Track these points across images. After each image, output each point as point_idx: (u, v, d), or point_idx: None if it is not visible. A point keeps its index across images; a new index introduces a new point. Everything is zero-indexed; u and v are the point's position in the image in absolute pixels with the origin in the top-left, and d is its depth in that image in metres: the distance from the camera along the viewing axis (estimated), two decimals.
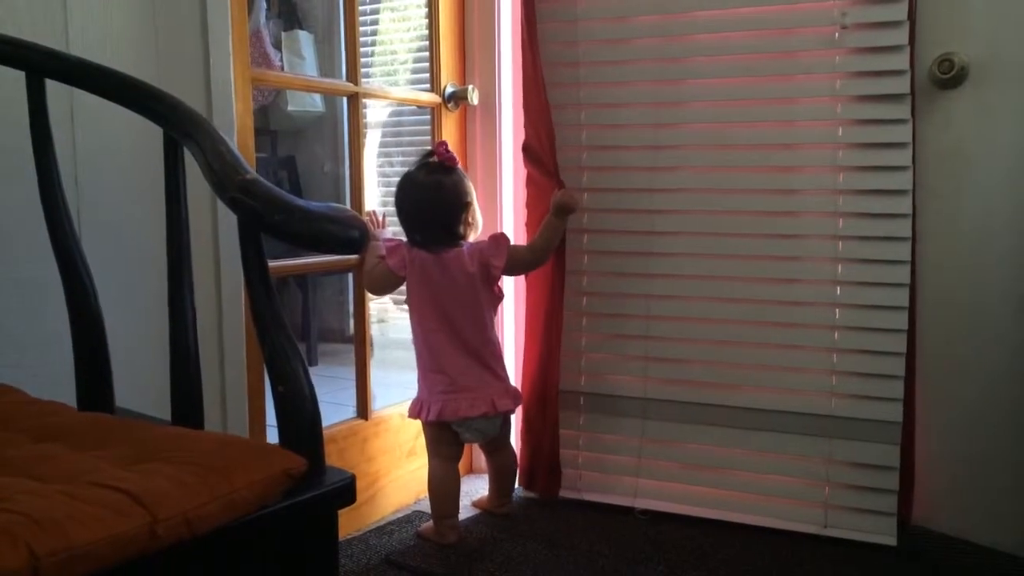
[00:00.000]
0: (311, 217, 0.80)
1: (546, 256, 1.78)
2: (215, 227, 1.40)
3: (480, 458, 2.01)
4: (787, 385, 1.73)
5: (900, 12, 1.59)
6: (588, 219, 1.85)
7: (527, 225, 1.87)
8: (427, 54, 2.03)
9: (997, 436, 1.62)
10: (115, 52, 1.26)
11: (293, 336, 0.86)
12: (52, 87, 1.01)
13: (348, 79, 1.79)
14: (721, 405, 1.77)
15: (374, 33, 3.58)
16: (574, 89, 1.85)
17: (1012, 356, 1.60)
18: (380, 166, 3.51)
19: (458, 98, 2.01)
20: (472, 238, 1.74)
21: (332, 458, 0.88)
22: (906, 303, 1.63)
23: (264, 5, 3.29)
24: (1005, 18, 1.56)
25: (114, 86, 0.98)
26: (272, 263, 0.88)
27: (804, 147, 1.73)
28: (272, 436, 0.92)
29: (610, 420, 1.87)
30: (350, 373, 1.86)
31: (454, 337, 1.68)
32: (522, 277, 1.90)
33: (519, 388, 1.83)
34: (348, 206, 1.81)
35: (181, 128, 0.91)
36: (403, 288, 1.72)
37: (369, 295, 1.82)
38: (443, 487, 1.71)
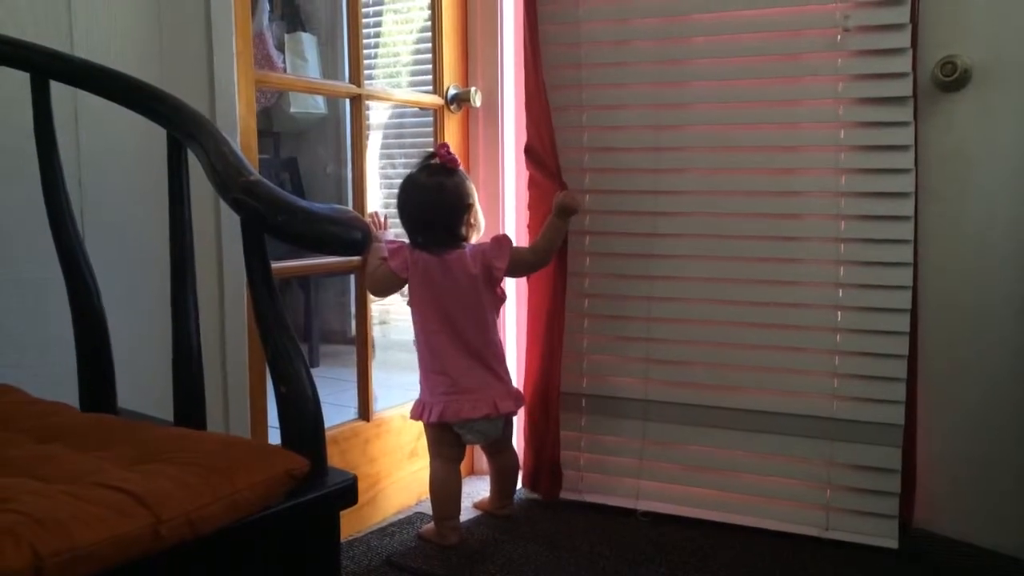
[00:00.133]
0: (314, 218, 0.81)
1: (548, 257, 1.78)
2: (218, 228, 1.40)
3: (481, 459, 2.01)
4: (789, 387, 1.73)
5: (903, 15, 1.59)
6: (590, 221, 1.85)
7: (529, 227, 1.88)
8: (430, 56, 2.03)
9: (999, 438, 1.62)
10: (119, 53, 1.27)
11: (296, 337, 0.86)
12: (56, 88, 1.02)
13: (351, 81, 1.79)
14: (723, 407, 1.77)
15: (377, 35, 3.59)
16: (576, 91, 1.85)
17: (1014, 358, 1.59)
18: (382, 168, 3.52)
19: (460, 100, 2.01)
20: (474, 239, 1.74)
21: (334, 459, 0.88)
22: (908, 305, 1.63)
23: (267, 7, 3.29)
24: (1007, 21, 1.56)
25: (118, 88, 0.99)
26: (274, 264, 0.88)
27: (806, 149, 1.73)
28: (274, 437, 0.92)
29: (611, 422, 1.87)
30: (351, 374, 1.86)
31: (456, 339, 1.68)
32: (524, 279, 1.90)
33: (521, 389, 1.83)
34: (350, 208, 1.82)
35: (184, 129, 0.91)
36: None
37: (371, 296, 1.83)
38: (444, 488, 1.71)
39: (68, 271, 1.01)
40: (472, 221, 1.72)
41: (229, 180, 0.81)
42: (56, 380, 1.03)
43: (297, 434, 0.84)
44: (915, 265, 1.64)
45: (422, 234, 1.69)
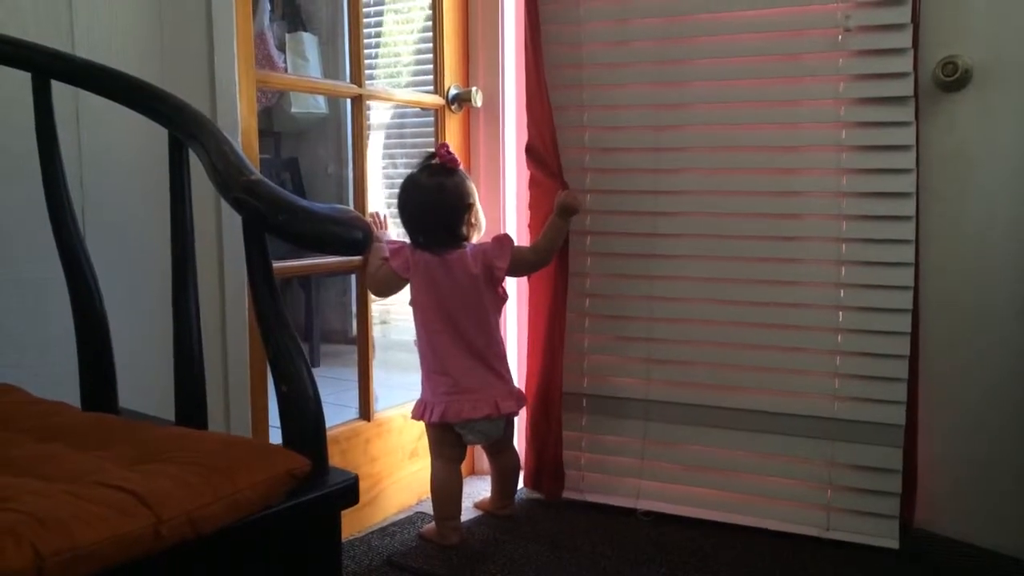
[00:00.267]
0: (315, 218, 0.81)
1: (549, 257, 1.78)
2: (219, 228, 1.40)
3: (482, 459, 2.01)
4: (790, 387, 1.73)
5: (904, 15, 1.59)
6: (591, 221, 1.85)
7: (530, 227, 1.88)
8: (431, 56, 2.03)
9: (1000, 439, 1.61)
10: (120, 53, 1.27)
11: (297, 337, 0.86)
12: (57, 88, 1.02)
13: (352, 81, 1.79)
14: (724, 407, 1.77)
15: (378, 35, 3.59)
16: (577, 91, 1.85)
17: (1015, 359, 1.59)
18: (383, 168, 3.52)
19: (462, 100, 2.01)
20: (475, 239, 1.74)
21: (334, 459, 0.88)
22: (910, 305, 1.63)
23: (268, 7, 3.29)
24: (1008, 21, 1.56)
25: (119, 87, 0.99)
26: (275, 264, 0.88)
27: (807, 149, 1.73)
28: (275, 436, 0.92)
29: (613, 422, 1.87)
30: (352, 374, 1.86)
31: (458, 339, 1.68)
32: (525, 278, 1.90)
33: (523, 389, 1.83)
34: (351, 207, 1.82)
35: (186, 129, 0.91)
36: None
37: (372, 296, 1.83)
38: (445, 488, 1.71)
39: (69, 271, 1.01)
40: (473, 221, 1.72)
41: (230, 180, 0.81)
42: (57, 380, 1.04)
43: (298, 434, 0.84)
44: (916, 265, 1.64)
45: (423, 234, 1.69)
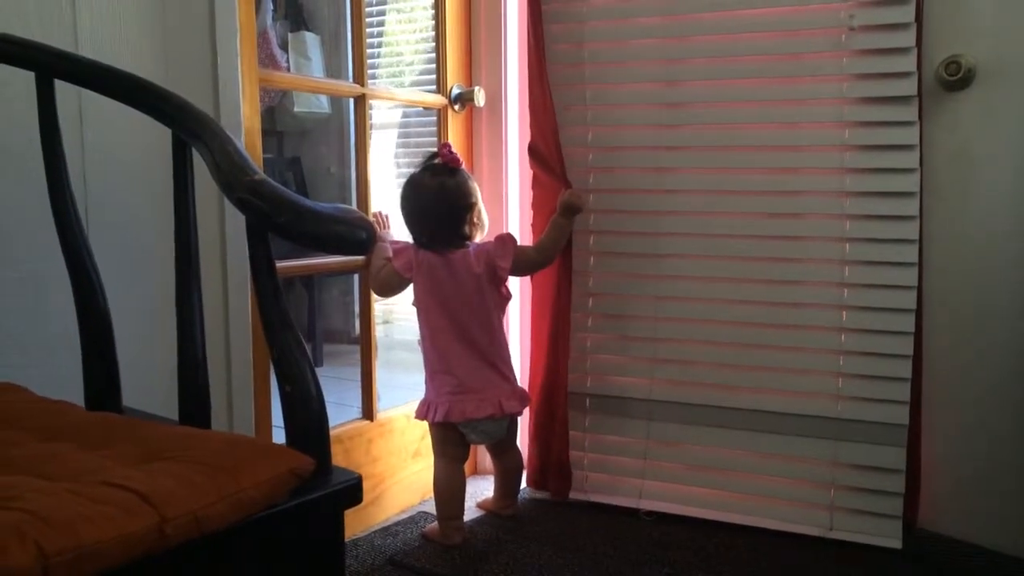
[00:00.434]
0: (319, 218, 0.81)
1: (553, 256, 1.78)
2: (222, 227, 1.40)
3: (485, 459, 2.01)
4: (793, 387, 1.73)
5: (907, 14, 1.59)
6: (594, 220, 1.85)
7: (533, 226, 1.87)
8: (433, 55, 2.03)
9: (1003, 439, 1.61)
10: (123, 52, 1.27)
11: (300, 336, 0.86)
12: (61, 87, 1.02)
13: (355, 80, 1.79)
14: (727, 407, 1.77)
15: (380, 35, 3.59)
16: (580, 89, 1.85)
17: (1018, 359, 1.59)
18: (386, 167, 3.52)
19: (464, 99, 2.01)
20: (478, 239, 1.74)
21: (337, 459, 0.88)
22: (913, 305, 1.63)
23: (271, 6, 3.30)
24: (1012, 20, 1.56)
25: (123, 87, 0.99)
26: (278, 263, 0.88)
27: (811, 149, 1.72)
28: (278, 436, 0.92)
29: (616, 421, 1.87)
30: (355, 374, 1.86)
31: (461, 338, 1.68)
32: (528, 278, 1.90)
33: (527, 389, 1.82)
34: (354, 207, 1.82)
35: (189, 129, 0.91)
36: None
37: (375, 296, 1.83)
38: (449, 488, 1.71)
39: (73, 270, 1.01)
40: (475, 220, 1.72)
41: (234, 180, 0.81)
42: (60, 379, 1.04)
43: (302, 433, 0.84)
44: (920, 265, 1.63)
45: (426, 234, 1.69)
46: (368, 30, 1.90)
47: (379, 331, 2.03)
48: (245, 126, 1.45)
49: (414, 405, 1.76)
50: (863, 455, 1.67)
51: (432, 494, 1.75)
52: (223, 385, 1.41)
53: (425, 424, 1.75)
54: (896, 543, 1.63)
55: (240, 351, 1.44)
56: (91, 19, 1.23)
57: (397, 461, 1.88)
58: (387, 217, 1.82)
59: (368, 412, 1.82)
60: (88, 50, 1.21)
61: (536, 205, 1.87)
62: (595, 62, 1.84)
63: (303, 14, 3.53)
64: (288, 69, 3.27)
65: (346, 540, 1.64)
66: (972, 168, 1.62)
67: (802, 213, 1.73)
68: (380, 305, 2.55)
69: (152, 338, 1.21)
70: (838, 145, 1.68)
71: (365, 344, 1.84)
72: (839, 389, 1.69)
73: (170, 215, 0.95)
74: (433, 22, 2.02)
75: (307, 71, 3.35)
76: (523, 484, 1.91)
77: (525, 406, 1.78)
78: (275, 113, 3.41)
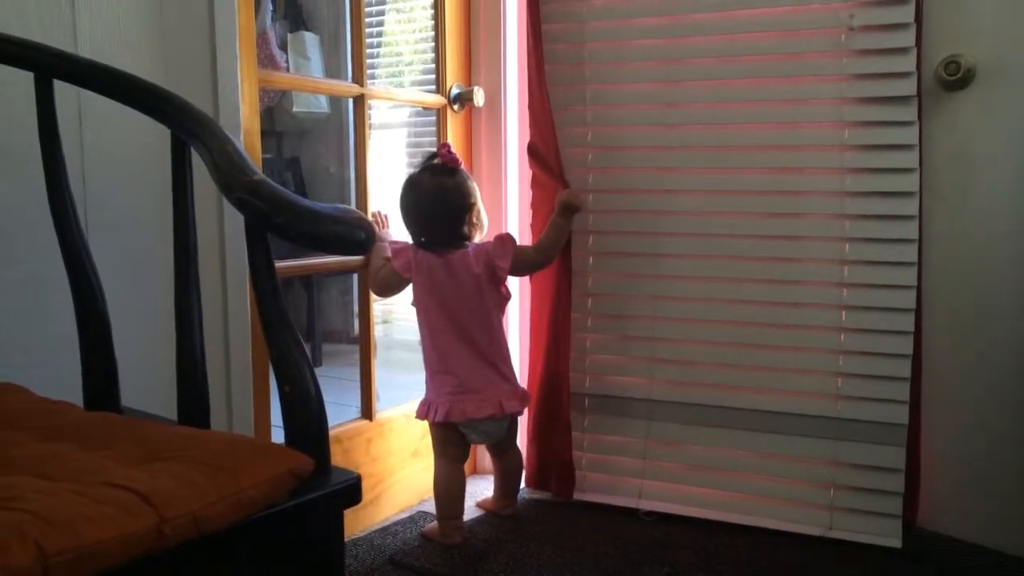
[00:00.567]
0: (318, 218, 0.81)
1: (552, 256, 1.78)
2: (221, 228, 1.40)
3: (485, 459, 2.01)
4: (792, 387, 1.73)
5: (907, 14, 1.59)
6: (594, 220, 1.85)
7: (532, 226, 1.87)
8: (433, 55, 2.03)
9: (1002, 439, 1.61)
10: (123, 52, 1.27)
11: (300, 336, 0.86)
12: (60, 87, 1.02)
13: (354, 80, 1.79)
14: (726, 407, 1.77)
15: (380, 35, 3.59)
16: (580, 89, 1.85)
17: (1018, 359, 1.59)
18: (385, 167, 3.51)
19: (463, 99, 2.01)
20: (478, 239, 1.74)
21: (337, 459, 0.88)
22: (912, 305, 1.63)
23: (270, 6, 3.29)
24: (1012, 20, 1.56)
25: (122, 87, 0.99)
26: (277, 263, 0.88)
27: (810, 149, 1.73)
28: (277, 436, 0.92)
29: (615, 421, 1.87)
30: (354, 374, 1.86)
31: (461, 338, 1.68)
32: (527, 278, 1.90)
33: (527, 389, 1.82)
34: (354, 207, 1.82)
35: (188, 129, 0.91)
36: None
37: (374, 296, 1.83)
38: (449, 488, 1.71)
39: (72, 270, 1.01)
40: (475, 220, 1.72)
41: (233, 180, 0.81)
42: (60, 379, 1.04)
43: (301, 433, 0.84)
44: (919, 265, 1.63)
45: (425, 234, 1.69)
46: (367, 30, 1.90)
47: (378, 331, 2.03)
48: (244, 126, 1.45)
49: (413, 405, 1.76)
50: (863, 455, 1.67)
51: (432, 494, 1.75)
52: (222, 385, 1.41)
53: (424, 424, 1.75)
54: (896, 542, 1.64)
55: (239, 351, 1.44)
56: (90, 19, 1.23)
57: (396, 461, 1.88)
58: (386, 217, 1.82)
59: (367, 412, 1.82)
60: (87, 50, 1.21)
61: (535, 205, 1.87)
62: (595, 62, 1.84)
63: (302, 14, 3.53)
64: (287, 69, 3.27)
65: (346, 540, 1.64)
66: (972, 168, 1.62)
67: (802, 213, 1.73)
68: (379, 305, 2.55)
69: (151, 338, 1.21)
70: (838, 145, 1.68)
71: (364, 344, 1.84)
72: (839, 389, 1.69)
73: (169, 215, 0.95)
74: (432, 22, 2.02)
75: (306, 71, 3.35)
76: (523, 484, 1.91)
77: (525, 406, 1.78)
78: (274, 113, 3.41)
